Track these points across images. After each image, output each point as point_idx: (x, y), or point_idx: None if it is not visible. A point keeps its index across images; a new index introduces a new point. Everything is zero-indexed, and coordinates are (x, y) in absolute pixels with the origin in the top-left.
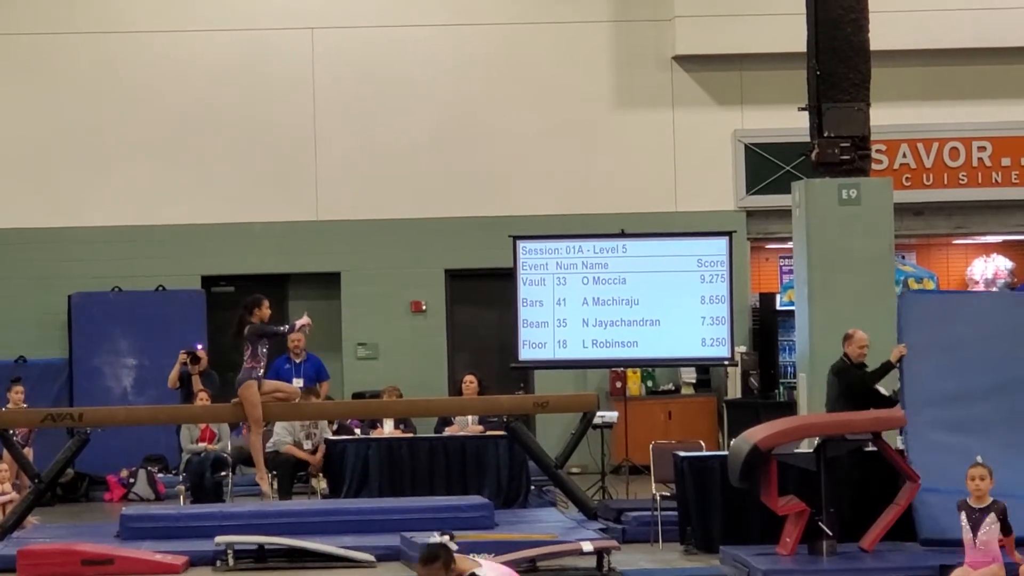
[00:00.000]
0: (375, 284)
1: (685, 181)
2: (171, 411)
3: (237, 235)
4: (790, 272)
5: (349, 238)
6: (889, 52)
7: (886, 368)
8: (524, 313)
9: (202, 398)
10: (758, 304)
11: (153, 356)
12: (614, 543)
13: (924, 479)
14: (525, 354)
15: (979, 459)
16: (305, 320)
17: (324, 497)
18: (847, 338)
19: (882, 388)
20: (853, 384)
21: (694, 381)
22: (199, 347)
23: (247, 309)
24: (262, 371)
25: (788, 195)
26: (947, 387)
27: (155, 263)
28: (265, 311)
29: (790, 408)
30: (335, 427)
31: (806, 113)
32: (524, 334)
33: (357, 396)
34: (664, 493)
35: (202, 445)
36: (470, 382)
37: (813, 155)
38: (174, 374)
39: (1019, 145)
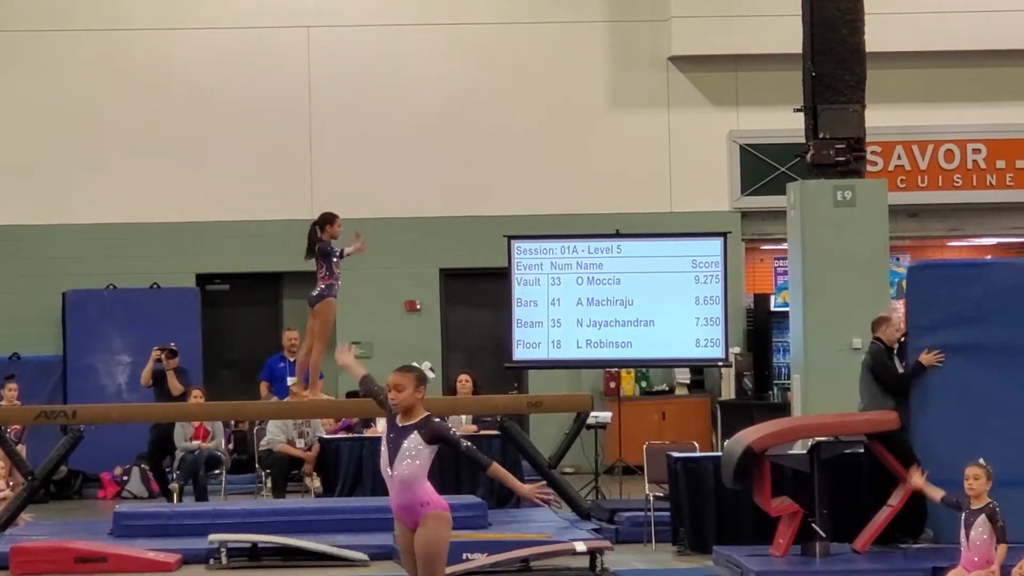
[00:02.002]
0: (370, 283)
1: (680, 182)
2: (165, 409)
3: (232, 233)
4: (785, 273)
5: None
6: (885, 54)
7: (918, 370)
8: (519, 313)
9: (196, 395)
10: (752, 305)
11: (147, 354)
12: (607, 543)
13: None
14: (519, 354)
15: (981, 461)
16: (357, 245)
17: (318, 496)
18: (883, 321)
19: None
20: (893, 379)
21: (688, 382)
22: (172, 345)
23: (319, 226)
24: (338, 287)
25: (783, 196)
26: (957, 361)
27: (150, 260)
28: (336, 228)
29: (784, 409)
30: (342, 424)
31: (801, 114)
32: (518, 334)
33: (351, 395)
34: (657, 494)
35: (196, 443)
36: (465, 382)
37: (808, 156)
38: (147, 371)
39: (1014, 147)
